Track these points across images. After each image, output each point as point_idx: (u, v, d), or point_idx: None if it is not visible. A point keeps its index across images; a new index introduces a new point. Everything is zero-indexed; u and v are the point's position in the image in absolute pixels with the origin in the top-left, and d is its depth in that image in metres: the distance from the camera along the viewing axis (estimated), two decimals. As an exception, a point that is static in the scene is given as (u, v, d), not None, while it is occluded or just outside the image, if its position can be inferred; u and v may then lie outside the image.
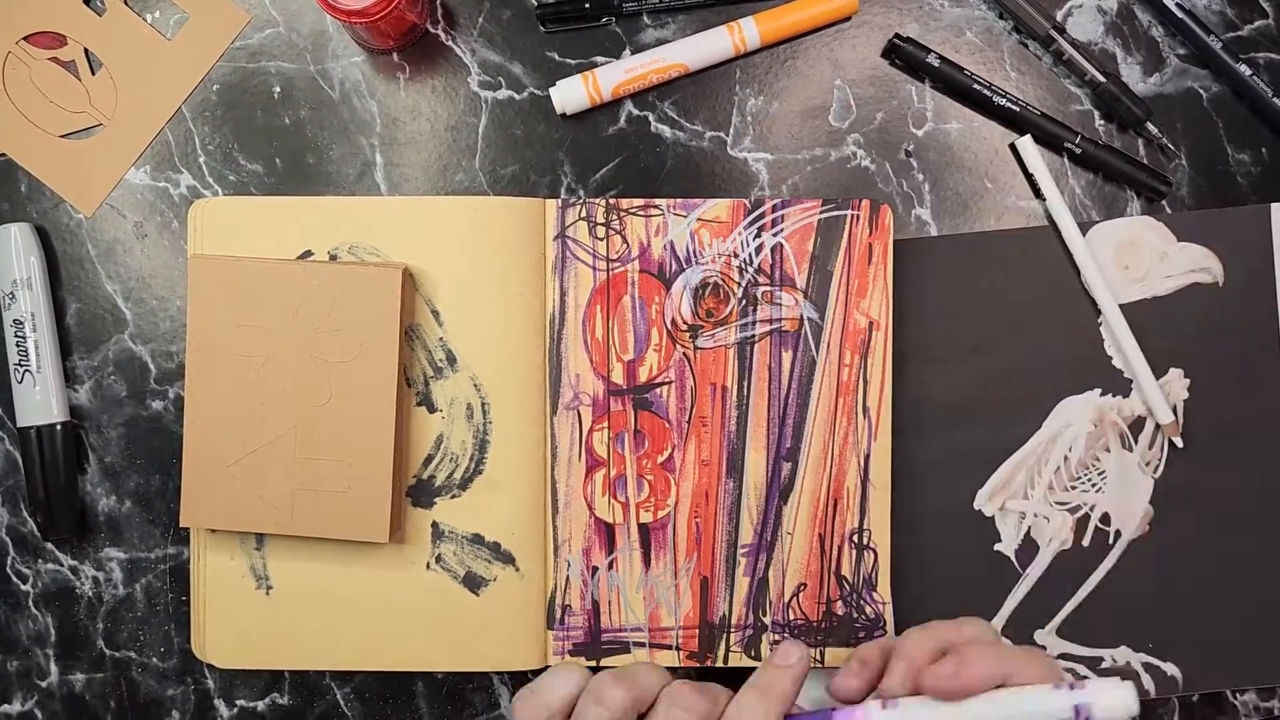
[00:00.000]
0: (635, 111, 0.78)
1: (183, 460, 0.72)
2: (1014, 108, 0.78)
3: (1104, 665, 0.79)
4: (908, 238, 0.79)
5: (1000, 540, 0.79)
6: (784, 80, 0.79)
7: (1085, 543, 0.79)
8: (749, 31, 0.77)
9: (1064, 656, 0.79)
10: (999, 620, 0.79)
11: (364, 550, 0.75)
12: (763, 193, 0.78)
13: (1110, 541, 0.79)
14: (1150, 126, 0.78)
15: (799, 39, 0.79)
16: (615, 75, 0.77)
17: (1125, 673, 0.78)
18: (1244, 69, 0.78)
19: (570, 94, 0.77)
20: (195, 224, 0.74)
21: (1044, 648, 0.79)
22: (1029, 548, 0.79)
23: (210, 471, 0.72)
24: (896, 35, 0.78)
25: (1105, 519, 0.79)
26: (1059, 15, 0.79)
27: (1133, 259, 0.78)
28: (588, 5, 0.77)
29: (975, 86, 0.78)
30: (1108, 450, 0.79)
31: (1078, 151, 0.78)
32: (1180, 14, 0.78)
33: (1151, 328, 0.78)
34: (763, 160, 0.78)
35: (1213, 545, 0.78)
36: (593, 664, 0.75)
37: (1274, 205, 0.79)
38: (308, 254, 0.74)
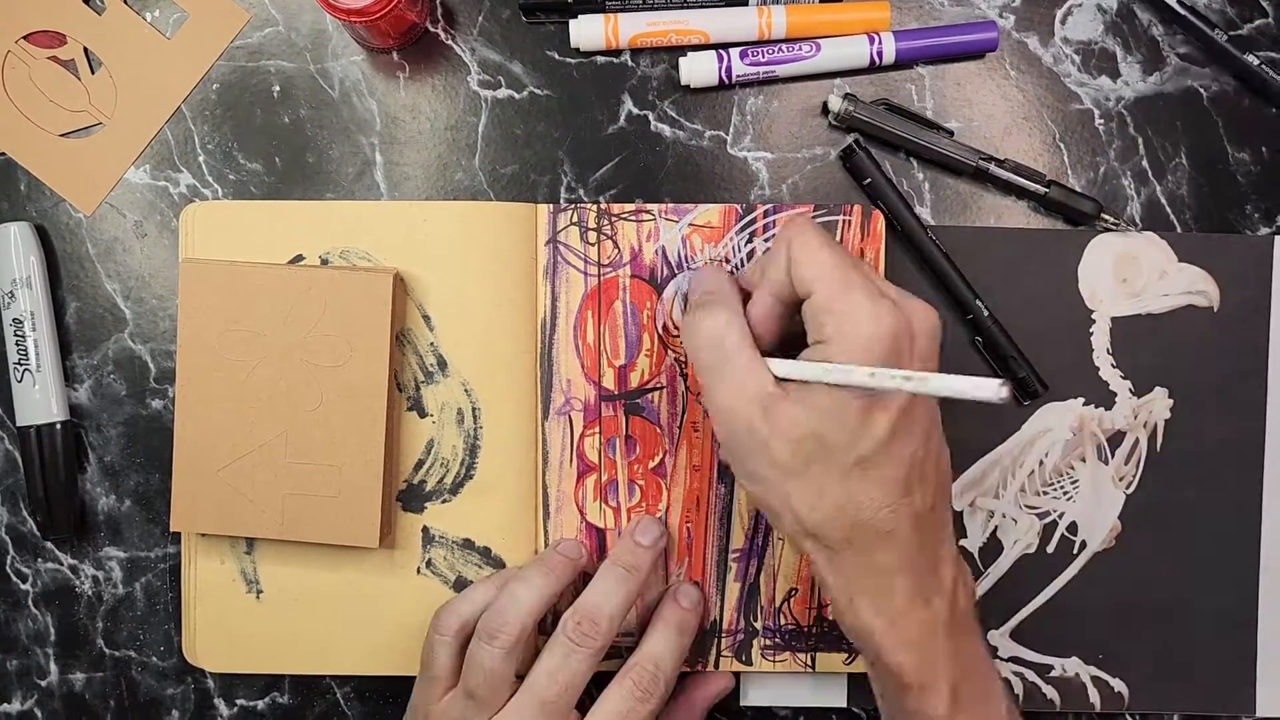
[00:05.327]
0: (635, 111, 0.78)
1: (173, 465, 0.73)
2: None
3: (1053, 674, 0.78)
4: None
5: (965, 536, 0.78)
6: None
7: (1050, 549, 0.78)
8: (777, 18, 0.77)
9: (1015, 660, 0.79)
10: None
11: (354, 555, 0.75)
12: (763, 191, 0.77)
13: (1075, 551, 0.78)
14: (1105, 216, 0.77)
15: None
16: (636, 25, 0.77)
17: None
18: (1251, 59, 0.77)
19: (588, 30, 0.77)
20: (187, 228, 0.75)
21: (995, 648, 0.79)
22: (993, 547, 0.78)
23: (201, 476, 0.72)
24: (855, 142, 0.77)
25: (1073, 528, 0.78)
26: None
27: (1131, 273, 0.77)
28: (570, 1, 0.77)
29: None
30: (1083, 460, 0.78)
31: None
32: (1182, 10, 0.77)
33: (1141, 344, 0.77)
34: (763, 159, 0.78)
35: (1176, 568, 0.78)
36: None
37: (1278, 237, 0.78)
38: (299, 258, 0.74)
